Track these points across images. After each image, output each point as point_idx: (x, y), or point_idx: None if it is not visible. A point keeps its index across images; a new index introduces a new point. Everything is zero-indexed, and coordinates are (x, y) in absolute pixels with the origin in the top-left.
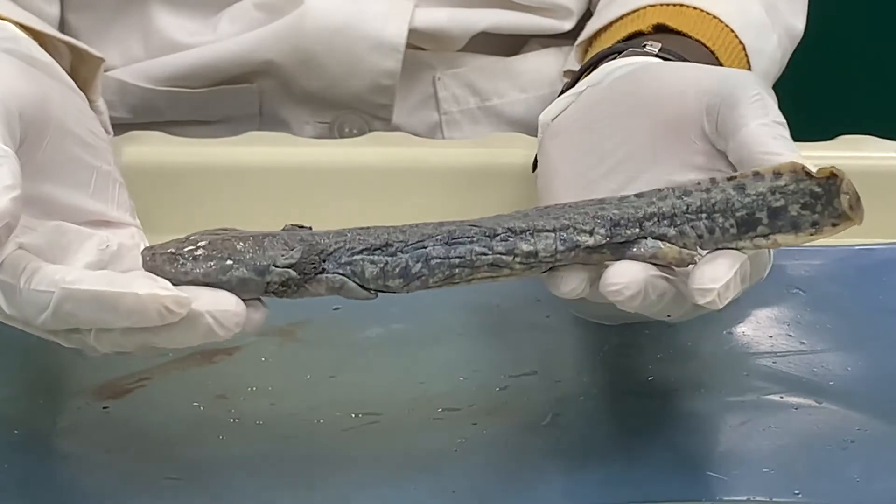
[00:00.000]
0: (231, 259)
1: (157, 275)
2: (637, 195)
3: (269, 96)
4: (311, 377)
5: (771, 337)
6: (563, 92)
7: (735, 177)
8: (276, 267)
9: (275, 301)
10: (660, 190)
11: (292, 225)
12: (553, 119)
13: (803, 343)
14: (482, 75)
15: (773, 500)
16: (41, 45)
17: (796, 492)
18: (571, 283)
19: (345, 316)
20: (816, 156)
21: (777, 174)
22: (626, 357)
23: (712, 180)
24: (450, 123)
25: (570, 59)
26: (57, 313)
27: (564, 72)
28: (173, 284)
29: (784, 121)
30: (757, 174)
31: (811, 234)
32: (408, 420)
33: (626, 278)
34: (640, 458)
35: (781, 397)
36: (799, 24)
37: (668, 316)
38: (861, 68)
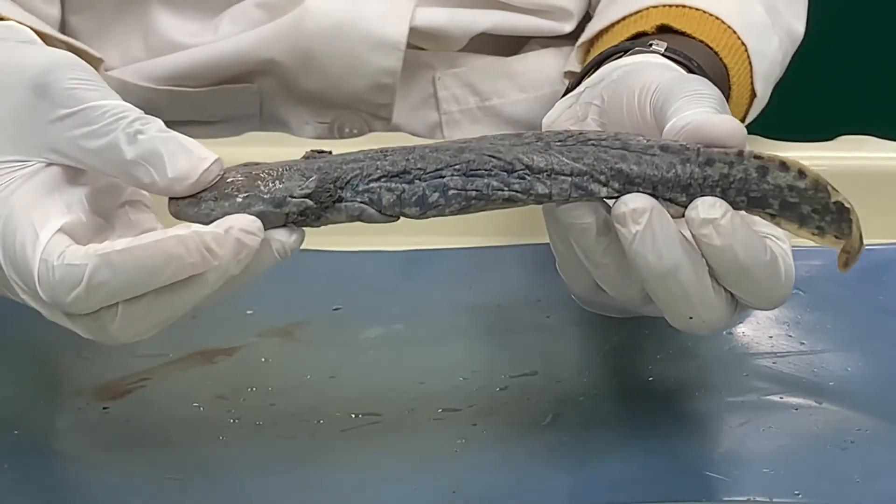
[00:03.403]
0: (249, 196)
1: (180, 218)
2: (662, 147)
3: (270, 96)
4: (311, 377)
5: (771, 337)
6: (566, 93)
7: (762, 157)
8: (293, 198)
9: (275, 301)
10: (686, 148)
11: (312, 151)
12: (553, 122)
13: (803, 343)
14: (482, 75)
15: (774, 500)
16: None
17: (796, 492)
18: (582, 208)
19: (345, 316)
20: (816, 156)
21: (801, 174)
22: (626, 357)
23: (739, 153)
24: (450, 123)
25: (571, 59)
26: (90, 285)
27: (565, 73)
28: None
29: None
30: (783, 164)
31: (813, 234)
32: (408, 420)
33: (634, 196)
34: (640, 458)
35: (781, 398)
36: (800, 26)
37: (691, 318)
38: (861, 68)
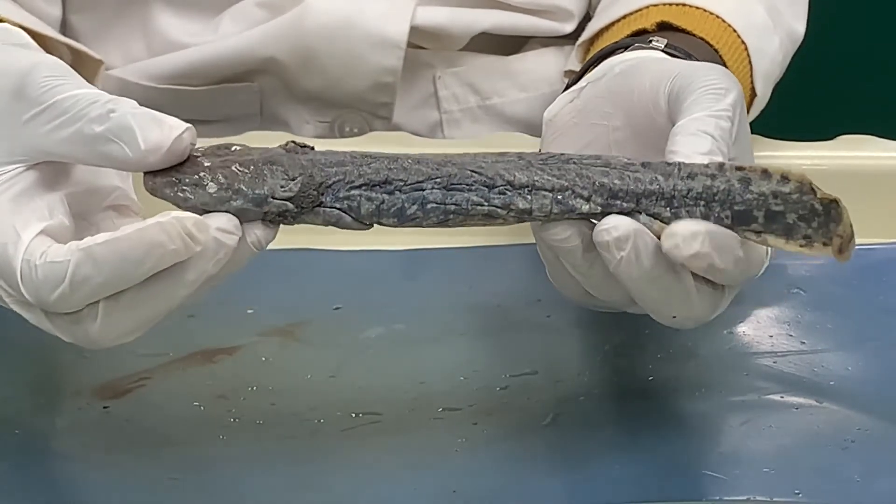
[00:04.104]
0: (230, 190)
1: (157, 196)
2: (644, 164)
3: (270, 95)
4: (311, 377)
5: (771, 337)
6: (566, 89)
7: (744, 168)
8: (275, 199)
9: (275, 301)
10: (668, 164)
11: (293, 143)
12: (554, 115)
13: (804, 343)
14: (482, 74)
15: (774, 499)
16: (41, 47)
17: (797, 492)
18: (566, 232)
19: (345, 316)
20: (816, 156)
21: (784, 178)
22: (627, 357)
23: (720, 166)
24: (450, 122)
25: (572, 59)
26: (74, 281)
27: (566, 72)
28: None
29: (732, 113)
30: (765, 172)
31: (801, 246)
32: (408, 420)
33: (613, 222)
34: (641, 458)
35: (782, 397)
36: (800, 27)
37: (675, 317)
38: (861, 68)
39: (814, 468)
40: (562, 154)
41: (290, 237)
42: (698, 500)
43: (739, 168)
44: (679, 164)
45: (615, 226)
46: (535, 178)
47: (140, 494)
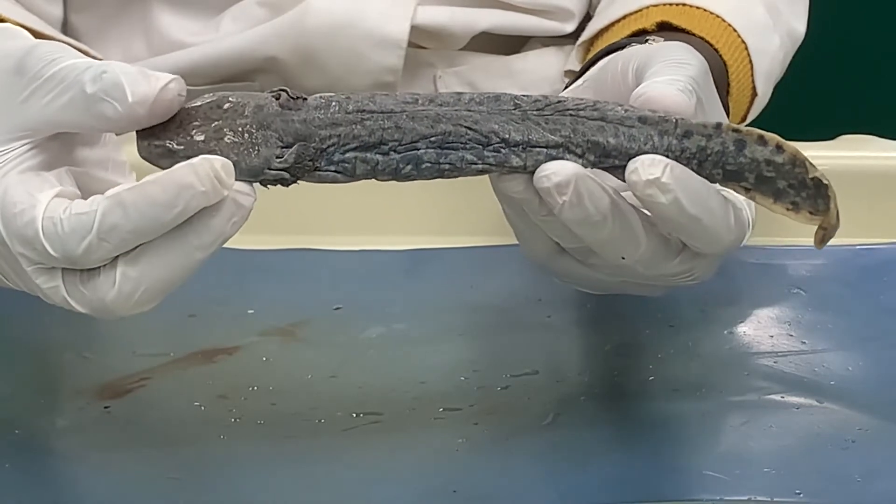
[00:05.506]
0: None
1: (152, 164)
2: (641, 119)
3: None
4: (311, 377)
5: (772, 337)
6: (566, 89)
7: (740, 130)
8: (270, 170)
9: (275, 301)
10: (666, 120)
11: (284, 93)
12: None
13: (804, 343)
14: (482, 74)
15: (774, 499)
16: None
17: (797, 492)
18: (520, 185)
19: (345, 316)
20: (816, 156)
21: (779, 148)
22: (627, 357)
23: (717, 125)
24: None
25: (572, 59)
26: (102, 229)
27: (566, 72)
28: None
29: (694, 83)
30: (761, 138)
31: (788, 210)
32: (409, 420)
33: (554, 167)
34: (641, 458)
35: (782, 397)
36: (800, 26)
37: (623, 258)
38: (861, 68)
39: (814, 468)
40: (558, 101)
41: (290, 237)
42: (699, 499)
43: (736, 130)
44: (676, 120)
45: (555, 171)
46: (530, 134)
47: (140, 494)
